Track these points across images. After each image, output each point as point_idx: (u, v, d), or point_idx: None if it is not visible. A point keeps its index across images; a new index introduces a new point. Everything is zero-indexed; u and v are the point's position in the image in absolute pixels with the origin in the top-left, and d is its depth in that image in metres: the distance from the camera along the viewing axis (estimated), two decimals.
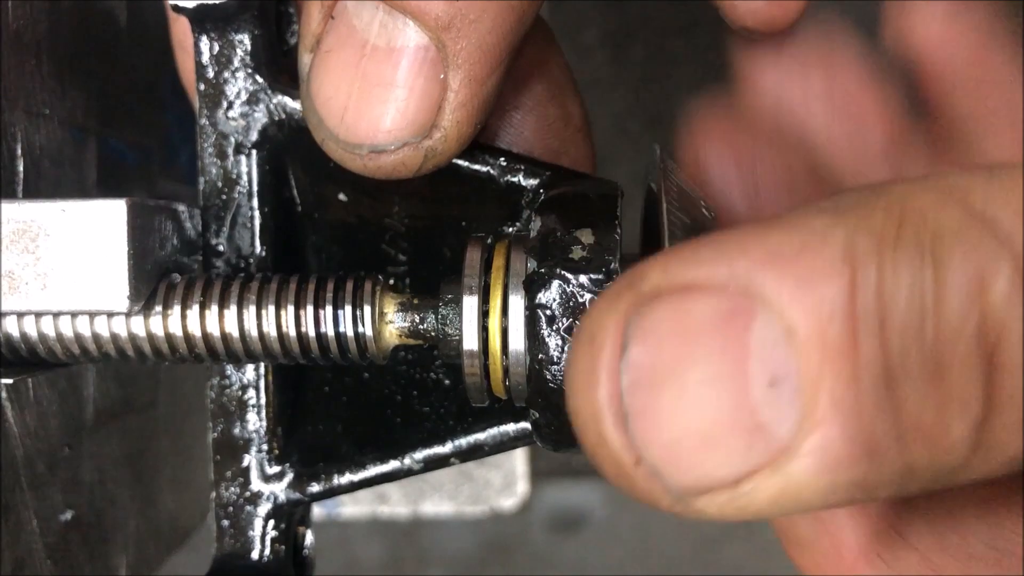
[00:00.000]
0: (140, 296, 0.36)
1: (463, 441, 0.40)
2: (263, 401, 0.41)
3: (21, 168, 0.40)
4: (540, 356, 0.33)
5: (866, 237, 0.24)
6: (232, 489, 0.41)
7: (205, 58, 0.39)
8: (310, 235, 0.43)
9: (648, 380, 0.25)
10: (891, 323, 0.24)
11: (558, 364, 0.33)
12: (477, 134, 0.36)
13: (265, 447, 0.41)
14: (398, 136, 0.35)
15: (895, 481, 0.25)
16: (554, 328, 0.33)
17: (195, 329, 0.37)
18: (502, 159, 0.38)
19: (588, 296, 0.33)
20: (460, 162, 0.38)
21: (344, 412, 0.43)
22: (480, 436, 0.40)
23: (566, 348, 0.33)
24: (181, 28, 0.42)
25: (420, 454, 0.40)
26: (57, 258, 0.35)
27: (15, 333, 0.36)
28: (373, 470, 0.40)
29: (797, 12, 0.40)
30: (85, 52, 0.45)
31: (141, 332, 0.37)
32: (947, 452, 0.24)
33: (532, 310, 0.34)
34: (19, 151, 0.40)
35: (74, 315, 0.36)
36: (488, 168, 0.38)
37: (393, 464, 0.40)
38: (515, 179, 0.38)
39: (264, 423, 0.41)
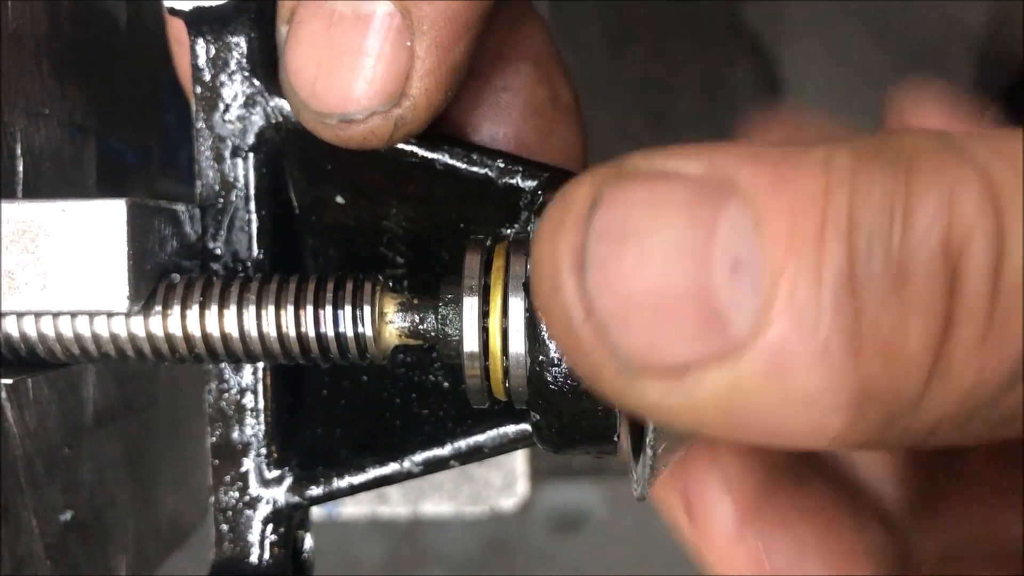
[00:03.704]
0: (140, 296, 0.36)
1: (462, 443, 0.39)
2: (261, 405, 0.40)
3: (21, 168, 0.40)
4: (541, 358, 0.33)
5: (846, 152, 0.25)
6: (231, 493, 0.40)
7: (201, 61, 0.39)
8: (308, 238, 0.42)
9: (613, 233, 0.25)
10: (859, 225, 0.24)
11: (559, 366, 0.33)
12: (456, 113, 0.36)
13: (264, 451, 0.40)
14: (367, 105, 0.34)
15: (849, 403, 0.24)
16: None
17: (195, 329, 0.37)
18: (500, 161, 0.38)
19: None
20: (458, 164, 0.38)
21: (343, 415, 0.43)
22: (480, 438, 0.39)
23: None
24: (178, 24, 0.42)
25: (419, 457, 0.40)
26: (57, 258, 0.35)
27: (15, 333, 0.36)
28: (372, 473, 0.40)
29: None
30: (85, 52, 0.45)
31: (141, 332, 0.36)
32: (904, 369, 0.24)
33: (532, 312, 0.34)
34: (19, 151, 0.40)
35: (74, 315, 0.36)
36: (486, 170, 0.38)
37: (392, 467, 0.40)
38: (513, 180, 0.38)
39: (263, 427, 0.40)
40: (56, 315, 0.36)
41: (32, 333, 0.36)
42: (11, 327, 0.36)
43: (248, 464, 0.40)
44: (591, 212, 0.26)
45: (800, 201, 0.24)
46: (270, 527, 0.41)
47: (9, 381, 0.36)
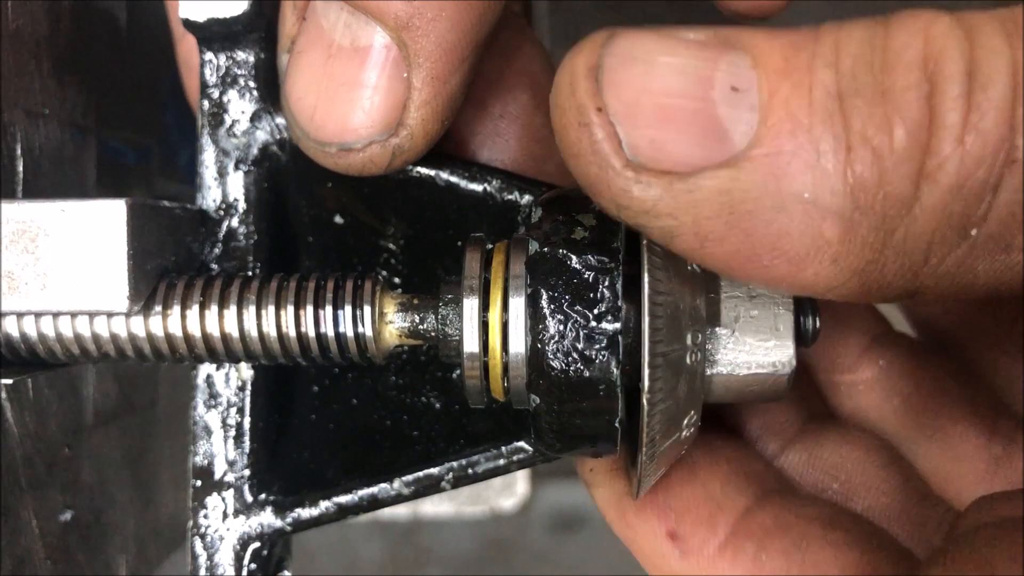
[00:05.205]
0: (140, 296, 0.36)
1: (454, 463, 0.39)
2: (247, 425, 0.40)
3: (21, 168, 0.40)
4: (543, 335, 0.33)
5: (832, 24, 0.28)
6: (210, 516, 0.40)
7: (211, 77, 0.40)
8: (304, 258, 0.42)
9: (624, 55, 0.28)
10: (844, 54, 0.27)
11: (560, 341, 0.33)
12: (447, 133, 0.37)
13: (247, 473, 0.40)
14: (365, 134, 0.35)
15: (843, 209, 0.26)
16: (556, 306, 0.33)
17: (195, 329, 0.37)
18: (499, 177, 0.39)
19: (591, 275, 0.33)
20: (458, 180, 0.39)
21: (331, 438, 0.42)
22: (472, 458, 0.39)
23: (569, 326, 0.33)
24: (187, 47, 0.43)
25: (410, 476, 0.39)
26: (57, 258, 0.35)
27: (15, 333, 0.36)
28: (360, 494, 0.39)
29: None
30: (85, 52, 0.45)
31: (141, 332, 0.36)
32: (892, 168, 0.26)
33: (535, 288, 0.33)
34: (19, 151, 0.40)
35: (74, 315, 0.36)
36: (485, 185, 0.39)
37: (382, 487, 0.39)
38: (512, 196, 0.39)
39: (247, 448, 0.40)
40: (56, 315, 0.36)
41: (32, 333, 0.36)
42: (11, 327, 0.36)
43: (230, 487, 0.40)
44: (605, 43, 0.28)
45: (792, 45, 0.27)
46: (249, 553, 0.40)
47: (9, 381, 0.36)
